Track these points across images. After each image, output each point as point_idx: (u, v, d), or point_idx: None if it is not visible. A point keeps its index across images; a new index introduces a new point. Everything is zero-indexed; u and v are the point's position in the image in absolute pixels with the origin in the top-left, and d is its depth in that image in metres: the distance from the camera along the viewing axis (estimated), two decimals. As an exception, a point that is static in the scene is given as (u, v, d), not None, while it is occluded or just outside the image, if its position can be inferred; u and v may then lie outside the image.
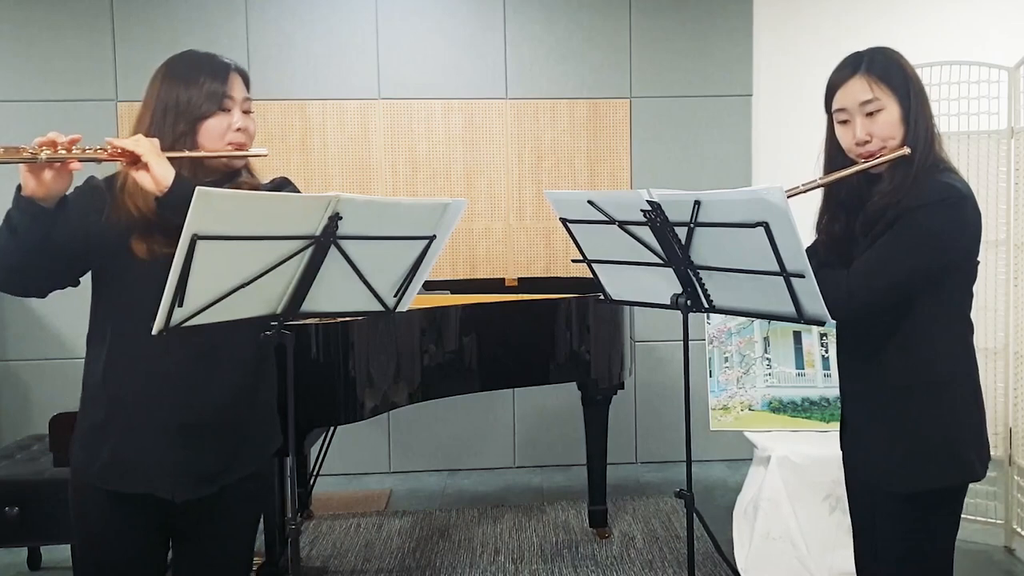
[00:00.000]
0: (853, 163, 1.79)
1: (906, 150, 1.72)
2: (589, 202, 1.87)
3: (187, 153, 1.67)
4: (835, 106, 1.80)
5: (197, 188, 1.47)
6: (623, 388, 3.60)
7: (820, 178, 1.82)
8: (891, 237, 1.70)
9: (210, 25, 4.33)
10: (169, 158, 1.61)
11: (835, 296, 1.67)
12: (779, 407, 3.16)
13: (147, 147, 1.58)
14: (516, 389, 4.37)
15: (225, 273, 1.60)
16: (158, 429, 1.69)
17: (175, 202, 1.55)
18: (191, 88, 1.69)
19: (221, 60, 1.76)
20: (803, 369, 3.16)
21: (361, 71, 4.41)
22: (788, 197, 1.69)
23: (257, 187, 1.78)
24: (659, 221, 1.76)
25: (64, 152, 1.54)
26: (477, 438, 4.58)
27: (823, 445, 2.92)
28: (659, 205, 1.73)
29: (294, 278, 1.72)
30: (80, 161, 1.56)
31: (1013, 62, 3.30)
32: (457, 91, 4.44)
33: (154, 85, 1.72)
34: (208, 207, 1.48)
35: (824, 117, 1.87)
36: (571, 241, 2.03)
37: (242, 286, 1.63)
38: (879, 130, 1.74)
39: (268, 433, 1.88)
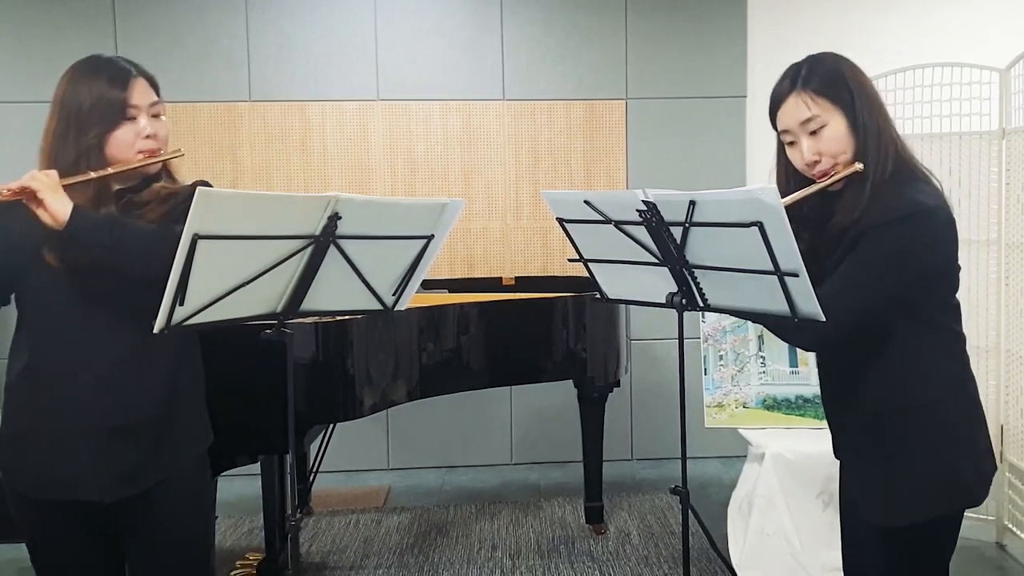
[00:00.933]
0: (811, 181, 1.71)
1: (858, 166, 1.63)
2: (585, 202, 1.87)
3: (92, 175, 1.61)
4: (779, 127, 1.73)
5: (198, 189, 1.48)
6: (619, 386, 3.62)
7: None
8: (854, 260, 1.61)
9: (211, 26, 4.36)
10: (76, 183, 1.57)
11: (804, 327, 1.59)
12: (773, 404, 3.18)
13: (43, 183, 1.53)
14: (513, 387, 4.39)
15: (226, 272, 1.61)
16: (81, 434, 1.67)
17: (75, 235, 1.53)
18: (92, 98, 1.64)
19: (122, 66, 1.71)
20: (797, 367, 3.18)
21: (360, 72, 4.43)
22: None
23: (176, 191, 1.74)
24: (655, 221, 1.75)
25: None
26: (475, 435, 4.61)
27: (817, 442, 2.88)
28: (655, 205, 1.72)
29: (294, 277, 1.73)
30: None
31: (1004, 64, 3.33)
32: (455, 92, 4.47)
33: (57, 94, 1.68)
34: (208, 207, 1.49)
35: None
36: (567, 240, 2.04)
37: (242, 285, 1.65)
38: (826, 147, 1.65)
39: (196, 432, 1.86)
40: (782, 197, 1.69)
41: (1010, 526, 3.38)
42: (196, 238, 1.49)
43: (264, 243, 1.63)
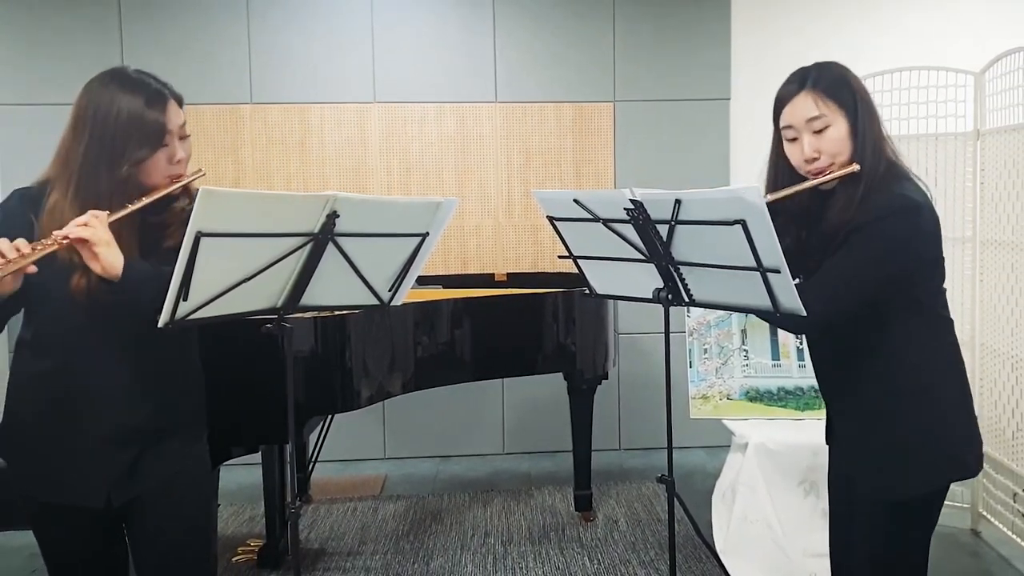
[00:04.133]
0: (802, 178, 1.77)
1: (855, 167, 1.70)
2: (575, 201, 1.92)
3: (131, 208, 1.60)
4: (782, 123, 1.79)
5: (201, 188, 1.51)
6: (607, 378, 3.68)
7: (771, 195, 1.77)
8: (843, 255, 1.69)
9: (213, 31, 4.41)
10: (121, 218, 1.57)
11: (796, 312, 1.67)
12: (756, 396, 3.21)
13: (98, 235, 1.52)
14: (505, 379, 4.43)
15: (228, 268, 1.65)
16: (89, 440, 1.67)
17: (125, 287, 1.55)
18: (130, 120, 1.61)
19: (157, 87, 1.68)
20: (779, 360, 3.21)
21: (358, 76, 4.49)
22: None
23: None
24: (641, 219, 1.80)
25: (17, 258, 1.50)
26: (468, 426, 4.67)
27: (798, 433, 2.97)
28: (642, 204, 1.77)
29: (293, 273, 1.77)
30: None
31: (979, 67, 3.39)
32: (449, 95, 4.52)
33: (85, 105, 1.63)
34: (211, 206, 1.53)
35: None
36: (558, 238, 2.10)
37: (244, 281, 1.68)
38: (827, 146, 1.72)
39: (197, 428, 1.87)
40: (772, 192, 1.79)
41: (984, 513, 3.45)
42: (199, 235, 1.53)
43: (265, 240, 1.66)
